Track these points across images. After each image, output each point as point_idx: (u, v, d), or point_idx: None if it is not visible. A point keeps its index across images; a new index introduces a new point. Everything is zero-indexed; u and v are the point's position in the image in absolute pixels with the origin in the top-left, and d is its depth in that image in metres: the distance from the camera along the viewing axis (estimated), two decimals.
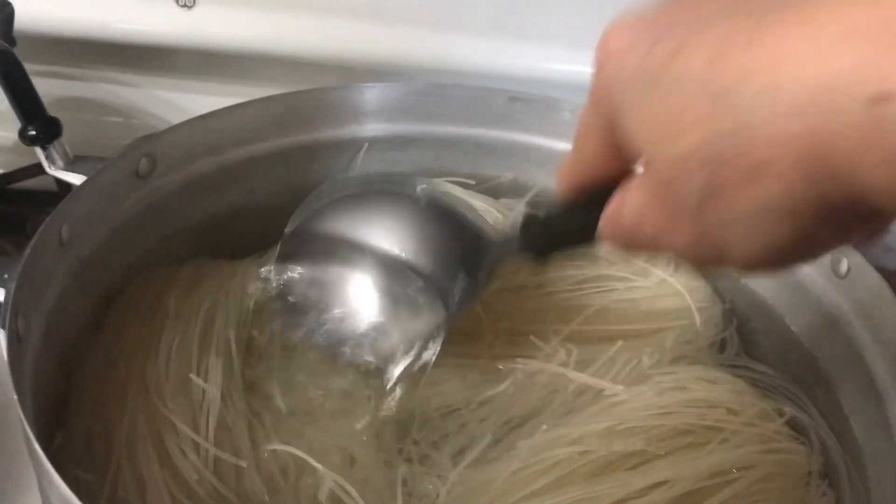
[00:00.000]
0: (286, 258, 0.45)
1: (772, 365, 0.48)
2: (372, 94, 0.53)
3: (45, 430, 0.38)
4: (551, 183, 0.55)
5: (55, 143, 0.43)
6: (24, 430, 0.31)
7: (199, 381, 0.41)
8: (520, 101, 0.55)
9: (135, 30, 0.66)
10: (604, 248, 0.33)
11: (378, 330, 0.43)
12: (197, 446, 0.39)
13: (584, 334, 0.46)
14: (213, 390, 0.41)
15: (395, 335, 0.42)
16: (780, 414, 0.43)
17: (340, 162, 0.54)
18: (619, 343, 0.44)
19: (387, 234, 0.43)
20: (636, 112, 0.24)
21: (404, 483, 0.41)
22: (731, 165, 0.22)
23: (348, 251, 0.44)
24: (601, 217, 0.30)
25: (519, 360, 0.45)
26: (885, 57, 0.18)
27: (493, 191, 0.56)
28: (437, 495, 0.40)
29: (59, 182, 0.47)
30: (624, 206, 0.28)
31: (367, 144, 0.53)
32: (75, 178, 0.44)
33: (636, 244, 0.28)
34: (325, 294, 0.44)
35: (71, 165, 0.44)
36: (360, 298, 0.43)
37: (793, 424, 0.44)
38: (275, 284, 0.44)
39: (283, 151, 0.52)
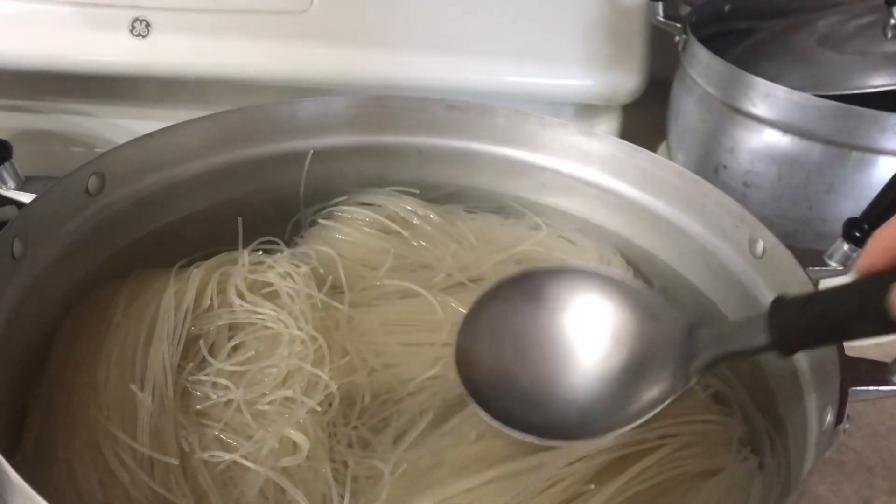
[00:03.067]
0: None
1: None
2: (314, 108, 0.56)
3: (7, 443, 0.40)
4: (489, 185, 0.59)
5: (6, 164, 0.46)
6: None
7: (136, 389, 0.43)
8: (457, 108, 0.57)
9: (91, 60, 0.68)
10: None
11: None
12: (133, 451, 0.41)
13: None
14: (150, 396, 0.43)
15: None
16: (706, 388, 0.45)
17: (287, 174, 0.56)
18: None
19: (592, 313, 0.41)
20: None
21: (345, 466, 0.43)
22: None
23: (547, 318, 0.42)
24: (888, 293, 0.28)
25: None
26: None
27: (437, 198, 0.59)
28: (381, 477, 0.42)
29: (19, 206, 0.49)
30: None
31: (311, 154, 0.56)
32: (27, 198, 0.46)
33: None
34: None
35: (23, 185, 0.46)
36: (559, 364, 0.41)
37: (719, 398, 0.46)
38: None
39: (229, 166, 0.54)
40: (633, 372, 0.40)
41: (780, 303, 0.35)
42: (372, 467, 0.43)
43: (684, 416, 0.43)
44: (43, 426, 0.42)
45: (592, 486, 0.38)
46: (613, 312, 0.41)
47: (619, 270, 0.44)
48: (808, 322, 0.33)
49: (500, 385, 0.41)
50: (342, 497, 0.41)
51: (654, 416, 0.41)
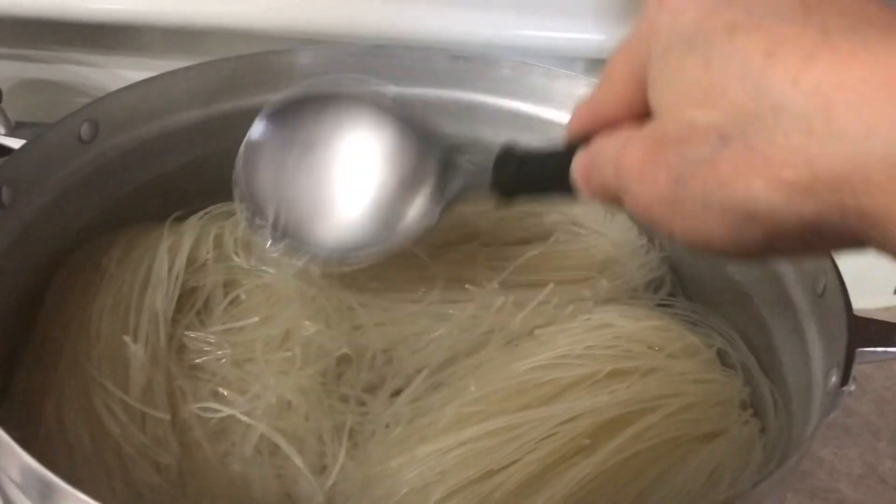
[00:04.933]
0: (249, 157, 0.44)
1: (709, 306, 0.50)
2: (313, 56, 0.54)
3: None
4: (495, 138, 0.57)
5: None
6: None
7: (129, 341, 0.42)
8: (461, 59, 0.56)
9: (91, 8, 0.67)
10: (570, 200, 0.32)
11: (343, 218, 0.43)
12: (125, 404, 0.40)
13: (518, 282, 0.48)
14: (142, 349, 0.42)
15: (359, 225, 0.42)
16: (709, 346, 0.45)
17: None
18: (550, 286, 0.46)
19: (358, 136, 0.43)
20: (674, 68, 0.25)
21: (341, 422, 0.42)
22: (742, 153, 0.22)
23: (315, 148, 0.43)
24: (577, 153, 0.30)
25: (458, 304, 0.46)
26: None
27: None
28: (374, 433, 0.41)
29: (7, 151, 0.49)
30: (607, 142, 0.28)
31: None
32: (16, 143, 0.45)
33: (601, 183, 0.28)
34: (291, 185, 0.43)
35: (12, 131, 0.46)
36: (327, 190, 0.43)
37: (722, 359, 0.45)
38: (239, 179, 0.44)
39: (226, 114, 0.53)
40: (399, 192, 0.42)
41: (505, 152, 0.38)
42: (368, 422, 0.42)
43: (686, 374, 0.42)
44: (32, 377, 0.42)
45: (588, 442, 0.38)
46: (384, 137, 0.43)
47: (388, 97, 0.44)
48: (521, 175, 0.36)
49: (281, 207, 0.43)
50: (336, 453, 0.41)
51: (655, 376, 0.41)
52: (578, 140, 0.31)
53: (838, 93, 0.21)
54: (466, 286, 0.47)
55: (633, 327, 0.43)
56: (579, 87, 0.55)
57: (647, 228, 0.49)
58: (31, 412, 0.40)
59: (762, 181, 0.22)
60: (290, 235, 0.43)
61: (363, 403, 0.43)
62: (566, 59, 0.72)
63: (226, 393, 0.43)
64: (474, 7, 0.67)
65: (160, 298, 0.45)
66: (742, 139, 0.22)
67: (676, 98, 0.25)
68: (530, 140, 0.56)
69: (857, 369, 0.66)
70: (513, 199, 0.37)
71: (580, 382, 0.41)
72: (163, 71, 0.51)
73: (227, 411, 0.41)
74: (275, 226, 0.43)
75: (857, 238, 0.22)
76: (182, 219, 0.50)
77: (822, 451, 0.60)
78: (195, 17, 0.66)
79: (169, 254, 0.46)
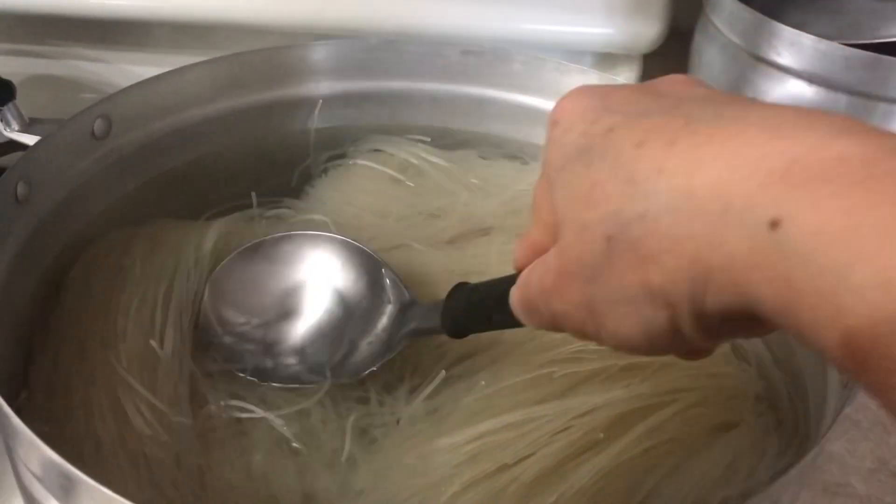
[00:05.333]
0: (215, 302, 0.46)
1: None
2: (325, 52, 0.55)
3: (9, 388, 0.40)
4: (505, 133, 0.57)
5: (9, 105, 0.45)
6: None
7: (156, 346, 0.43)
8: (472, 54, 0.56)
9: (100, 4, 0.67)
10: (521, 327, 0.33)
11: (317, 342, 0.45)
12: (151, 404, 0.41)
13: None
14: (169, 350, 0.43)
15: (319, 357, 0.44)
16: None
17: (297, 119, 0.55)
18: None
19: (317, 268, 0.46)
20: (565, 179, 0.26)
21: (361, 423, 0.42)
22: (630, 247, 0.23)
23: (279, 280, 0.46)
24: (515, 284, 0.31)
25: None
26: (787, 189, 0.20)
27: (450, 145, 0.57)
28: (390, 430, 0.42)
29: (22, 147, 0.49)
30: (532, 271, 0.29)
31: (321, 101, 0.55)
32: (31, 140, 0.45)
33: (535, 310, 0.29)
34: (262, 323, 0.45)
35: (27, 127, 0.46)
36: (290, 323, 0.45)
37: (736, 353, 0.45)
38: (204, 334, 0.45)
39: (239, 111, 0.53)
40: (357, 330, 0.44)
41: (456, 290, 0.38)
42: (385, 420, 0.42)
43: (701, 368, 0.42)
44: (55, 371, 0.42)
45: (602, 435, 0.38)
46: (347, 277, 0.45)
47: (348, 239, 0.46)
48: (468, 309, 0.37)
49: (243, 342, 0.45)
50: (353, 450, 0.41)
51: (670, 370, 0.41)
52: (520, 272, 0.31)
53: (696, 174, 0.22)
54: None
55: None
56: (590, 81, 0.55)
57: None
58: (57, 407, 0.40)
59: (653, 272, 0.23)
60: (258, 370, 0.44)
61: (381, 403, 0.43)
62: (575, 54, 0.72)
63: (245, 395, 0.43)
64: (483, 2, 0.67)
65: (187, 299, 0.45)
66: (625, 233, 0.23)
67: (569, 204, 0.26)
68: (539, 134, 0.56)
69: None
70: (463, 335, 0.39)
71: (594, 376, 0.41)
72: (172, 67, 0.51)
73: (247, 411, 0.42)
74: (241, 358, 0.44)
75: (749, 311, 0.22)
76: (199, 213, 0.50)
77: (834, 445, 0.60)
78: (204, 13, 0.66)
79: (193, 257, 0.47)
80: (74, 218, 0.47)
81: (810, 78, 0.59)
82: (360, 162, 0.54)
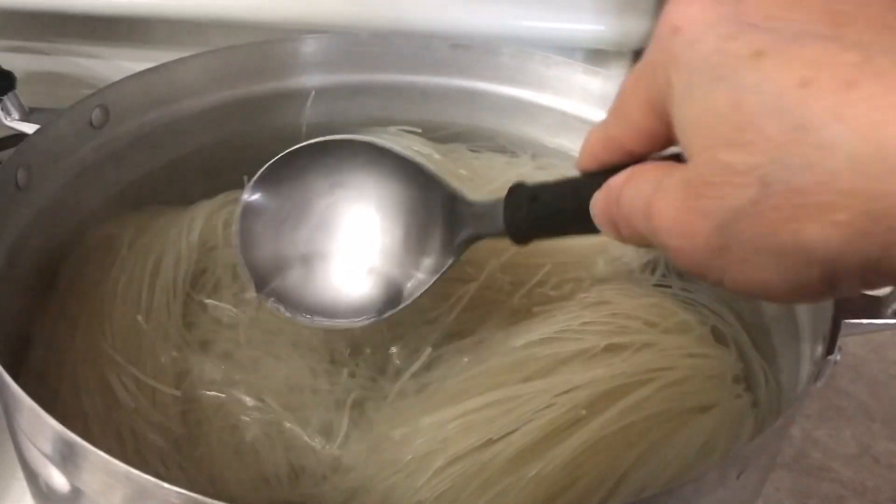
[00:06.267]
0: (247, 221, 0.43)
1: (704, 286, 0.51)
2: (317, 45, 0.56)
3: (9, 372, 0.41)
4: (495, 125, 0.59)
5: (9, 94, 0.46)
6: None
7: (142, 321, 0.44)
8: (461, 48, 0.57)
9: (101, 1, 0.68)
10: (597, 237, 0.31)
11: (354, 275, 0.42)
12: (137, 380, 0.42)
13: (518, 262, 0.49)
14: (155, 327, 0.44)
15: (369, 288, 0.42)
16: (702, 323, 0.46)
17: (289, 112, 0.56)
18: (548, 266, 0.47)
19: (359, 187, 0.42)
20: (700, 104, 0.23)
21: (349, 399, 0.43)
22: (789, 197, 0.21)
23: (314, 203, 0.42)
24: (598, 191, 0.28)
25: (460, 283, 0.48)
26: None
27: (441, 137, 0.59)
28: (379, 406, 0.43)
29: (22, 136, 0.50)
30: (632, 186, 0.27)
31: (313, 93, 0.56)
32: (31, 128, 0.46)
33: (631, 229, 0.27)
34: (294, 249, 0.42)
35: (27, 116, 0.47)
36: (330, 252, 0.42)
37: (716, 336, 0.47)
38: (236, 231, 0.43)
39: (232, 102, 0.54)
40: (406, 246, 0.41)
41: (514, 192, 0.35)
42: (373, 397, 0.44)
43: (680, 349, 0.43)
44: (48, 352, 0.43)
45: (584, 412, 0.39)
46: (388, 186, 0.41)
47: (388, 143, 0.42)
48: (535, 216, 0.34)
49: (286, 270, 0.42)
50: (342, 425, 0.42)
51: (650, 350, 0.43)
52: (594, 172, 0.29)
53: (890, 124, 0.19)
54: (469, 267, 0.48)
55: (629, 304, 0.44)
56: (577, 74, 0.56)
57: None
58: (48, 384, 0.41)
59: (815, 226, 0.21)
60: (298, 304, 0.42)
61: (370, 378, 0.44)
62: (566, 50, 0.73)
63: (235, 370, 0.44)
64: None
65: (172, 278, 0.46)
66: (786, 182, 0.21)
67: (708, 139, 0.23)
68: (527, 126, 0.58)
69: (852, 354, 0.67)
70: (529, 241, 0.36)
71: (577, 356, 0.42)
72: (163, 62, 0.52)
73: (236, 388, 0.43)
74: (279, 296, 0.42)
75: None
76: (191, 202, 0.51)
77: (818, 432, 0.61)
78: (198, 10, 0.68)
79: (181, 236, 0.48)
80: (72, 204, 0.48)
81: None
82: None
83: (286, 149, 0.55)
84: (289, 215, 0.42)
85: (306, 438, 0.41)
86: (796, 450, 0.58)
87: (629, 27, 0.71)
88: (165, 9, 0.68)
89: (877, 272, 0.21)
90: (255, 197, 0.42)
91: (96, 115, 0.48)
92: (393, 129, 0.57)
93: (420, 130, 0.58)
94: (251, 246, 0.42)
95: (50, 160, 0.46)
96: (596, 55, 0.74)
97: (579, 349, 0.42)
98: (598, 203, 0.29)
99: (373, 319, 0.41)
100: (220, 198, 0.51)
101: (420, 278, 0.41)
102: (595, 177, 0.29)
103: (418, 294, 0.40)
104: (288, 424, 0.41)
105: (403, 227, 0.41)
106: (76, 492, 0.33)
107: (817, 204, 0.21)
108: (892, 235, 0.20)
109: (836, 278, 0.22)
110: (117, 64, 0.74)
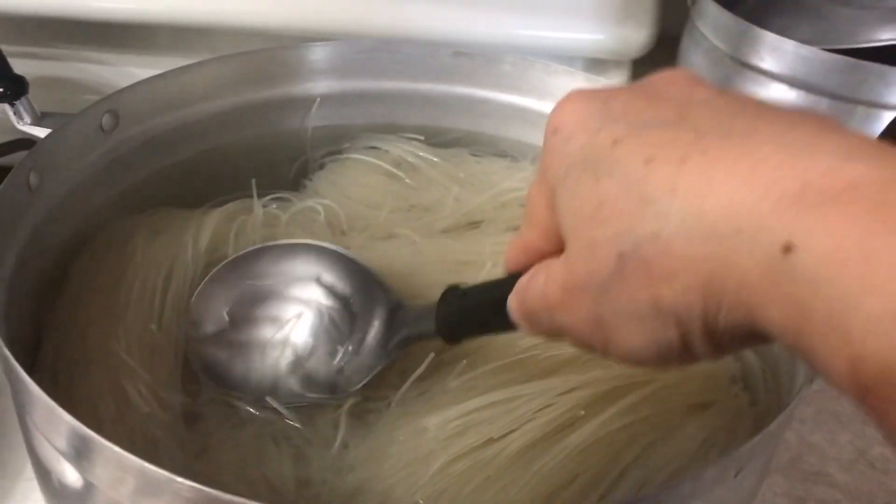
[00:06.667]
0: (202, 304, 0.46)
1: None
2: (323, 53, 0.57)
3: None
4: (496, 132, 0.59)
5: (22, 99, 0.47)
6: None
7: (155, 329, 0.45)
8: (463, 55, 0.58)
9: (109, 7, 0.69)
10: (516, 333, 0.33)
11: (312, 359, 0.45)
12: (149, 385, 0.43)
13: None
14: (167, 333, 0.45)
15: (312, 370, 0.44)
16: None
17: (294, 117, 0.57)
18: None
19: (301, 280, 0.45)
20: (570, 190, 0.26)
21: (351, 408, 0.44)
22: (642, 265, 0.23)
23: (268, 290, 0.45)
24: (511, 292, 0.30)
25: None
26: (799, 214, 0.20)
27: (443, 143, 0.60)
28: (381, 409, 0.44)
29: (34, 140, 0.51)
30: (533, 279, 0.29)
31: (318, 100, 0.57)
32: (42, 133, 0.47)
33: (536, 320, 0.29)
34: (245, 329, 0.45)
35: (38, 121, 0.48)
36: (279, 340, 0.45)
37: None
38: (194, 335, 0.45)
39: (239, 108, 0.55)
40: (347, 341, 0.44)
41: (447, 294, 0.38)
42: (376, 400, 0.44)
43: None
44: (60, 353, 0.44)
45: (583, 412, 0.40)
46: (338, 287, 0.45)
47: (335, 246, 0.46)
48: (462, 314, 0.36)
49: (231, 357, 0.45)
50: (346, 428, 0.43)
51: None
52: (515, 274, 0.31)
53: (708, 195, 0.21)
54: (468, 272, 0.49)
55: None
56: (577, 82, 0.57)
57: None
58: (61, 386, 0.42)
59: (667, 290, 0.23)
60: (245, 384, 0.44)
61: (375, 387, 0.45)
62: (566, 59, 0.74)
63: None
64: (476, 7, 0.69)
65: (183, 286, 0.47)
66: (637, 251, 0.23)
67: (576, 218, 0.25)
68: (529, 133, 0.58)
69: None
70: (459, 340, 0.38)
71: (576, 358, 0.43)
72: (171, 69, 0.53)
73: (243, 393, 0.44)
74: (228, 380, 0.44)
75: (756, 329, 0.22)
76: (197, 206, 0.52)
77: (814, 436, 0.61)
78: (204, 17, 0.69)
79: (192, 244, 0.49)
80: (82, 207, 0.49)
81: (792, 82, 0.61)
82: (355, 157, 0.56)
83: (291, 154, 0.57)
84: (240, 307, 0.45)
85: (311, 439, 0.41)
86: (792, 454, 0.59)
87: (628, 36, 0.72)
88: (172, 15, 0.69)
89: (724, 330, 0.23)
90: (209, 287, 0.46)
91: (106, 119, 0.49)
92: (395, 134, 0.58)
93: (423, 136, 0.59)
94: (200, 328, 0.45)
95: (61, 164, 0.47)
96: (595, 64, 0.75)
97: (578, 352, 0.43)
98: (512, 303, 0.31)
99: (304, 403, 0.43)
100: (228, 208, 0.52)
101: (353, 377, 0.43)
102: (516, 278, 0.31)
103: (351, 390, 0.43)
104: (293, 427, 0.42)
105: (345, 325, 0.44)
106: (89, 487, 0.33)
107: (663, 270, 0.23)
108: (719, 297, 0.22)
109: (689, 339, 0.24)
110: (124, 69, 0.75)
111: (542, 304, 0.28)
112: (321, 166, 0.57)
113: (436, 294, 0.45)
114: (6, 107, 0.48)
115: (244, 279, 0.45)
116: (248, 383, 0.44)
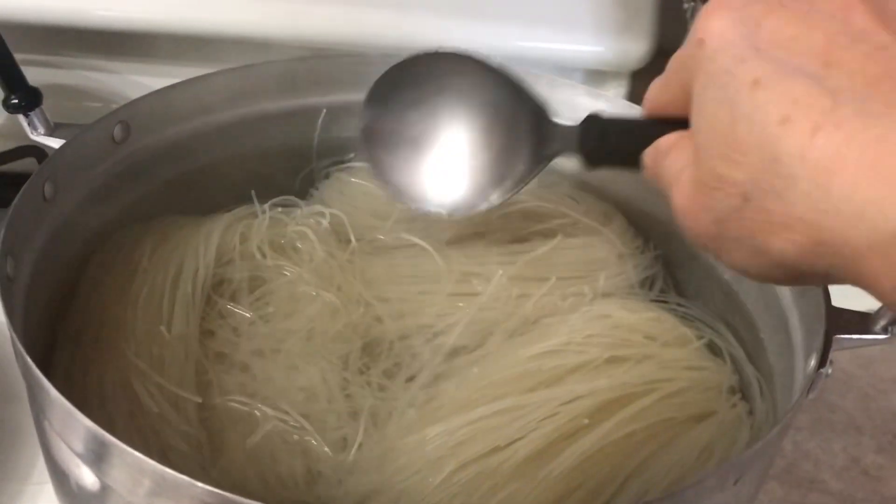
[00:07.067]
0: (371, 113, 0.47)
1: (701, 302, 0.53)
2: (330, 65, 0.58)
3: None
4: None
5: (36, 110, 0.48)
6: (15, 346, 0.36)
7: (164, 331, 0.45)
8: None
9: (114, 16, 0.69)
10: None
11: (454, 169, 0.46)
12: (160, 386, 0.43)
13: (524, 276, 0.51)
14: (176, 337, 0.46)
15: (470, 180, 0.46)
16: (699, 338, 0.48)
17: (302, 128, 0.58)
18: (553, 280, 0.49)
19: (466, 95, 0.46)
20: (708, 113, 0.27)
21: (363, 408, 0.45)
22: (763, 213, 0.26)
23: (427, 104, 0.46)
24: (649, 147, 0.34)
25: (469, 297, 0.50)
26: None
27: None
28: (391, 415, 0.45)
29: (48, 151, 0.52)
30: (669, 158, 0.32)
31: (325, 111, 0.58)
32: (56, 143, 0.48)
33: (664, 188, 0.32)
34: (407, 141, 0.46)
35: (52, 131, 0.49)
36: (440, 146, 0.46)
37: (711, 349, 0.49)
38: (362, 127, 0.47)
39: (247, 118, 0.56)
40: (502, 148, 0.45)
41: (590, 121, 0.40)
42: (385, 405, 0.45)
43: (679, 361, 0.45)
44: (73, 357, 0.44)
45: (587, 421, 0.41)
46: (488, 93, 0.45)
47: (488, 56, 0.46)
48: (606, 146, 0.39)
49: (400, 164, 0.47)
50: (356, 432, 0.44)
51: (650, 363, 0.44)
52: (655, 117, 0.34)
53: (837, 172, 0.23)
54: (476, 281, 0.50)
55: (630, 318, 0.46)
56: (579, 97, 0.58)
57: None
58: (74, 389, 0.43)
59: (778, 239, 0.25)
60: (407, 189, 0.47)
61: (382, 388, 0.46)
62: (566, 70, 0.75)
63: (252, 379, 0.46)
64: (477, 20, 0.70)
65: (192, 290, 0.48)
66: (760, 200, 0.26)
67: (709, 146, 0.27)
68: None
69: (842, 369, 0.68)
70: (596, 166, 0.40)
71: (580, 368, 0.44)
72: (177, 78, 0.54)
73: (254, 396, 0.44)
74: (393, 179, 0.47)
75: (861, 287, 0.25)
76: (208, 215, 0.53)
77: (808, 444, 0.62)
78: (208, 27, 0.69)
79: (199, 248, 0.50)
80: (94, 216, 0.50)
81: None
82: (361, 167, 0.57)
83: (297, 164, 0.58)
84: (402, 113, 0.47)
85: (323, 446, 0.42)
86: (787, 461, 0.60)
87: (627, 48, 0.73)
88: (178, 25, 0.69)
89: (829, 277, 0.26)
90: (374, 96, 0.48)
91: (118, 130, 0.50)
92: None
93: None
94: (374, 141, 0.47)
95: (74, 174, 0.48)
96: (594, 75, 0.76)
97: (582, 361, 0.44)
98: (647, 158, 0.34)
99: (485, 204, 0.45)
100: (235, 213, 0.53)
101: (507, 184, 0.45)
102: (653, 126, 0.34)
103: (510, 194, 0.45)
104: (305, 432, 0.43)
105: (499, 133, 0.45)
106: (106, 489, 0.34)
107: (779, 223, 0.25)
108: (830, 258, 0.25)
109: (796, 278, 0.28)
110: (130, 78, 0.76)
111: (672, 190, 0.31)
112: (327, 176, 0.58)
113: (438, 305, 0.46)
114: (20, 117, 0.49)
115: (407, 87, 0.47)
116: (414, 182, 0.46)
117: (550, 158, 0.44)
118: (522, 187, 0.45)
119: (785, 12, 0.26)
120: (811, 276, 0.27)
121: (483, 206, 0.45)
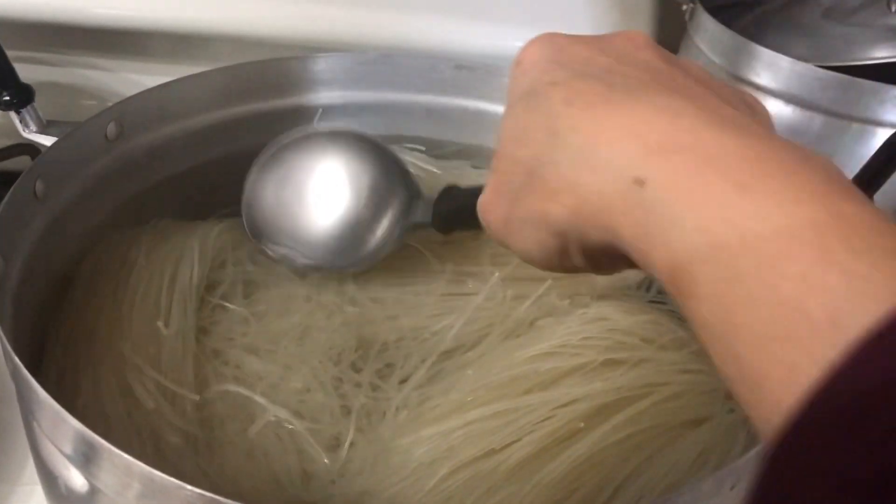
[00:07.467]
0: (253, 187, 0.50)
1: None
2: (326, 64, 0.57)
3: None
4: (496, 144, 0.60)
5: (28, 107, 0.47)
6: (3, 347, 0.35)
7: (162, 326, 0.45)
8: (465, 68, 0.59)
9: (109, 14, 0.69)
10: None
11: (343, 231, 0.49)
12: (156, 382, 0.43)
13: (519, 276, 0.50)
14: (173, 334, 0.45)
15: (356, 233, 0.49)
16: (696, 341, 0.47)
17: (296, 127, 0.58)
18: (549, 281, 0.49)
19: (340, 166, 0.49)
20: (510, 115, 0.31)
21: (356, 408, 0.45)
22: (542, 183, 0.29)
23: (308, 177, 0.49)
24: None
25: (464, 297, 0.49)
26: (655, 159, 0.25)
27: (445, 155, 0.60)
28: (384, 415, 0.44)
29: (39, 148, 0.51)
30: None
31: (320, 111, 0.57)
32: (48, 140, 0.48)
33: (483, 219, 0.35)
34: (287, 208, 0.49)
35: (44, 129, 0.48)
36: (316, 211, 0.49)
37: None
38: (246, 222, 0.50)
39: (242, 118, 0.56)
40: (373, 216, 0.49)
41: (445, 191, 0.45)
42: (379, 406, 0.45)
43: (676, 365, 0.44)
44: (66, 355, 0.44)
45: (583, 425, 0.40)
46: (364, 169, 0.49)
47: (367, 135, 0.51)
48: (452, 211, 0.45)
49: (280, 230, 0.49)
50: (349, 433, 0.43)
51: (646, 366, 0.44)
52: None
53: (600, 136, 0.27)
54: (471, 281, 0.50)
55: (626, 321, 0.46)
56: None
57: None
58: (66, 387, 0.42)
59: (553, 205, 0.28)
60: (287, 248, 0.49)
61: (375, 388, 0.46)
62: None
63: (247, 377, 0.45)
64: (477, 20, 0.70)
65: (188, 290, 0.48)
66: (541, 171, 0.29)
67: (508, 137, 0.31)
68: None
69: None
70: (449, 232, 0.46)
71: (576, 370, 0.44)
72: (171, 76, 0.54)
73: (247, 393, 0.44)
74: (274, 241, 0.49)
75: (614, 245, 0.27)
76: (201, 215, 0.53)
77: None
78: (202, 25, 0.69)
79: (195, 249, 0.49)
80: (87, 214, 0.49)
81: (787, 98, 0.62)
82: None
83: None
84: (288, 185, 0.50)
85: (315, 443, 0.42)
86: None
87: None
88: (173, 23, 0.69)
89: (594, 248, 0.29)
90: (261, 170, 0.50)
91: (111, 128, 0.50)
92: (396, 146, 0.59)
93: (424, 148, 0.59)
94: (254, 204, 0.50)
95: (66, 172, 0.47)
96: None
97: (578, 363, 0.44)
98: (478, 206, 0.36)
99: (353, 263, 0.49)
100: (229, 220, 0.53)
101: (382, 239, 0.49)
102: None
103: (376, 260, 0.49)
104: (298, 430, 0.42)
105: (375, 203, 0.49)
106: (95, 492, 0.34)
107: (555, 189, 0.28)
108: (593, 219, 0.27)
109: (567, 248, 0.30)
110: (123, 76, 0.75)
111: (482, 205, 0.34)
112: None
113: (432, 306, 0.46)
114: (12, 114, 0.48)
115: (286, 164, 0.50)
116: (295, 245, 0.49)
117: (413, 228, 0.48)
118: (388, 252, 0.49)
119: (583, 43, 0.31)
120: (578, 245, 0.29)
121: (351, 270, 0.50)
